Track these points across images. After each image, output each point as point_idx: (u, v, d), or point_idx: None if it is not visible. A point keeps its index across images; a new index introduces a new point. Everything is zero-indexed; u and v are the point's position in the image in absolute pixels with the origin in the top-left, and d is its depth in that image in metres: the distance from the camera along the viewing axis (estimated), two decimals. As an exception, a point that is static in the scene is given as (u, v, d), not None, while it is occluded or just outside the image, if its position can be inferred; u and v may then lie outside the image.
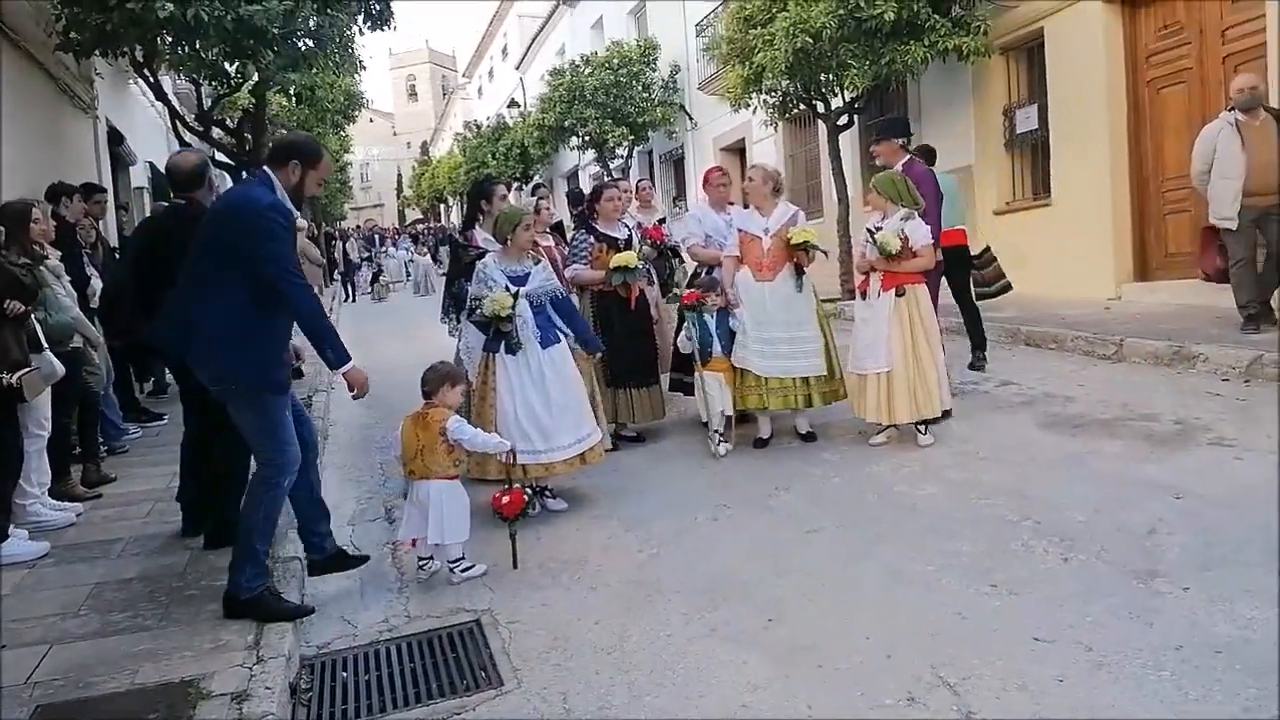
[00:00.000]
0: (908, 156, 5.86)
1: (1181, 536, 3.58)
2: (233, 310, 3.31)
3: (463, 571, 3.89)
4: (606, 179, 16.00)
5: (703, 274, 5.96)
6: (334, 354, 3.41)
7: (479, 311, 4.57)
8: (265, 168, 3.49)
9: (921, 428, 5.18)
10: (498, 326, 4.52)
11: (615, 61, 18.58)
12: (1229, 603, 3.02)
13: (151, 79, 8.93)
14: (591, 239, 5.70)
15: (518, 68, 32.28)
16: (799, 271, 5.33)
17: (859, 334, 5.28)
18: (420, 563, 3.98)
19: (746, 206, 5.87)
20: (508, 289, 4.53)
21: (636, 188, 7.55)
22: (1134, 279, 9.03)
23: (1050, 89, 9.68)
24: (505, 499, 3.96)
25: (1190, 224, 8.50)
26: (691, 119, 18.73)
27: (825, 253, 5.34)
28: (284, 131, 18.28)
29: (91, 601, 3.69)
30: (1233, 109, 6.40)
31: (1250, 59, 7.55)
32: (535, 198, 8.19)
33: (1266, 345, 5.90)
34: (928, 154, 6.65)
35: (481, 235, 5.40)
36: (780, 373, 5.27)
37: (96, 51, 7.77)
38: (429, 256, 24.91)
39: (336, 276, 23.39)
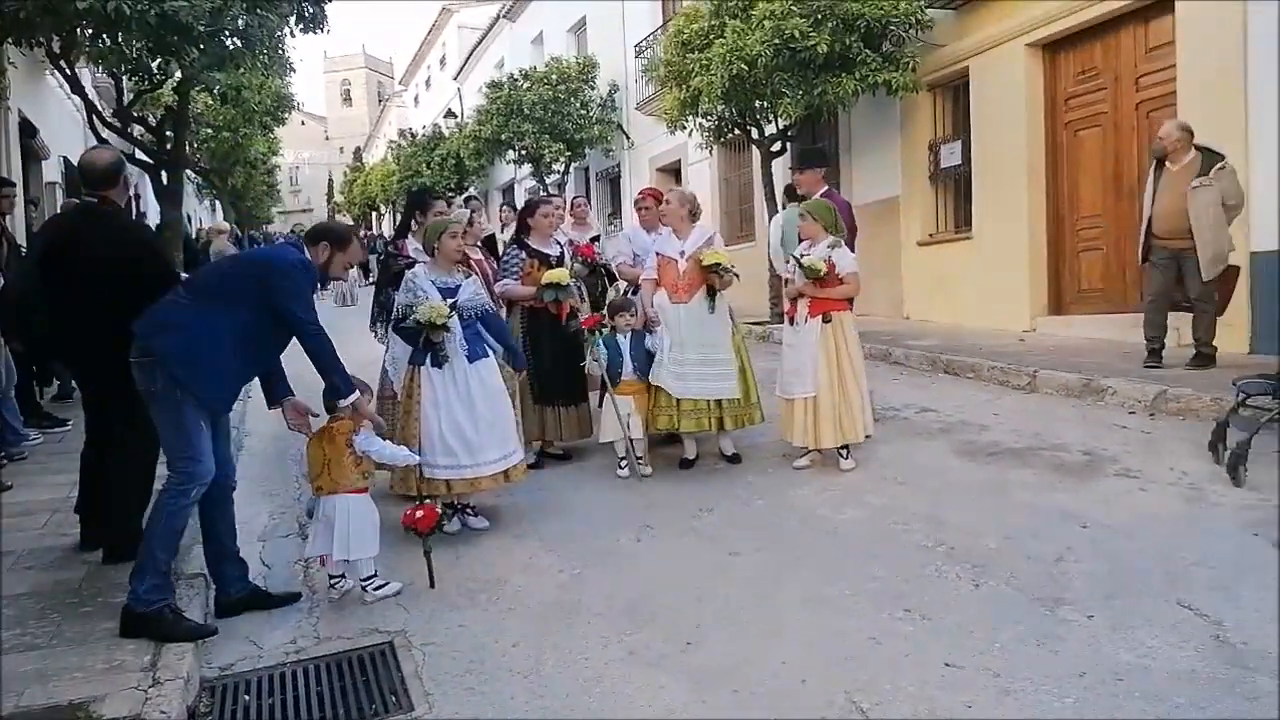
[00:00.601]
0: (826, 186, 6.01)
1: (1087, 565, 3.69)
2: (224, 332, 3.46)
3: (375, 590, 3.79)
4: (542, 194, 16.01)
5: (622, 294, 6.00)
6: (341, 386, 3.69)
7: (412, 319, 4.44)
8: (300, 243, 3.88)
9: (843, 452, 5.25)
10: (429, 336, 4.41)
11: (554, 78, 18.59)
12: (1130, 630, 3.12)
13: (68, 71, 8.58)
14: (523, 254, 5.66)
15: (456, 78, 32.03)
16: (711, 293, 5.35)
17: (787, 359, 5.33)
18: (332, 581, 3.84)
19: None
20: (455, 302, 4.45)
21: (571, 204, 7.54)
22: (1048, 312, 9.35)
23: (974, 126, 10.00)
24: (419, 514, 3.87)
25: (1103, 261, 8.87)
26: (629, 138, 18.82)
27: (737, 275, 5.33)
28: (209, 130, 17.86)
29: (-23, 618, 3.48)
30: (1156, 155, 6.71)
31: (1162, 105, 7.92)
32: (468, 210, 8.12)
33: (1171, 381, 6.16)
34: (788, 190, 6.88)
35: (413, 245, 5.34)
36: (694, 394, 5.26)
37: (9, 40, 7.44)
38: (355, 267, 24.26)
39: None
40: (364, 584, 3.79)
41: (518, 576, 4.01)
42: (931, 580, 3.67)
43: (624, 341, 5.37)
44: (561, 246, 5.87)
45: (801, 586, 3.70)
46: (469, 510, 4.68)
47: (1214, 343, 6.56)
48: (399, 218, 6.22)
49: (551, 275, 5.43)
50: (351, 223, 46.84)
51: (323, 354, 3.60)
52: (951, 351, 8.16)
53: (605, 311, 5.56)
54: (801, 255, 5.20)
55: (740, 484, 5.16)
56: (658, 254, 5.51)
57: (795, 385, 5.21)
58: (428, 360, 4.47)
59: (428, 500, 3.99)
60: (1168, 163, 6.58)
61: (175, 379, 3.36)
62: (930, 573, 3.74)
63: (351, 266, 3.88)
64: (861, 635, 3.24)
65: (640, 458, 5.38)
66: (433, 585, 3.87)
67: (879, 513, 4.52)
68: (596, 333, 5.39)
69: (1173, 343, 6.84)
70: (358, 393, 3.75)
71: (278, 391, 3.82)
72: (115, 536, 3.94)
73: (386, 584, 3.82)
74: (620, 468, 5.40)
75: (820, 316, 5.17)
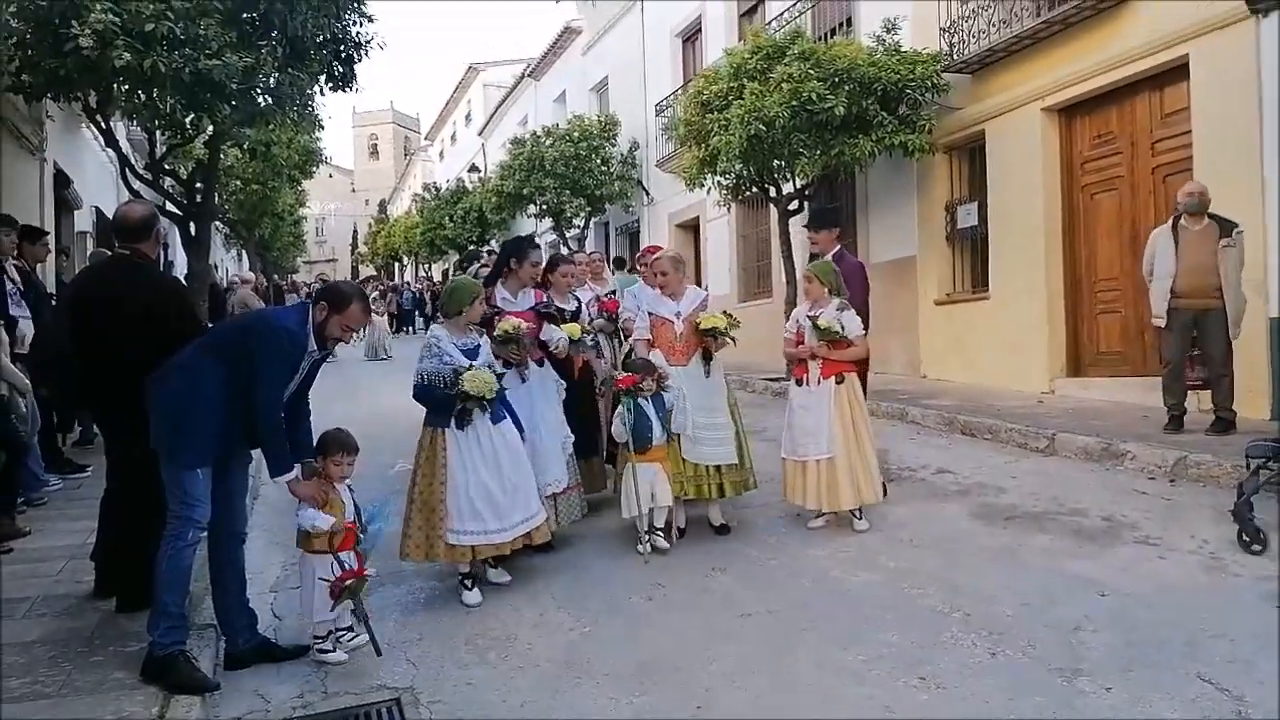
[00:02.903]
0: (839, 247, 6.04)
1: (1106, 635, 3.63)
2: (213, 388, 3.51)
3: (320, 652, 3.71)
4: (564, 251, 16.18)
5: (634, 355, 5.95)
6: (274, 463, 3.60)
7: (458, 390, 4.26)
8: (308, 302, 3.86)
9: (857, 513, 5.20)
10: (466, 405, 4.29)
11: (576, 134, 18.92)
12: (1149, 704, 3.06)
13: (104, 125, 8.83)
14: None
15: (480, 134, 32.69)
16: (707, 357, 5.28)
17: (798, 421, 5.26)
18: (338, 634, 3.80)
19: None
20: (472, 366, 4.36)
21: (590, 259, 7.62)
22: (1067, 374, 9.31)
23: (990, 188, 10.09)
24: (337, 573, 3.64)
25: (1121, 324, 8.84)
26: (648, 194, 19.07)
27: (734, 340, 5.25)
28: (238, 183, 18.26)
29: (-12, 665, 3.49)
30: (1177, 213, 6.69)
31: (1178, 170, 7.97)
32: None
33: (1191, 447, 6.10)
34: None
35: (501, 294, 5.19)
36: (695, 459, 5.17)
37: (49, 96, 7.68)
38: (386, 318, 23.05)
39: None
40: (314, 643, 3.73)
41: (527, 633, 3.98)
42: (947, 647, 3.61)
43: (647, 404, 5.05)
44: (579, 302, 5.91)
45: (814, 651, 3.65)
46: (489, 562, 4.59)
47: (1233, 408, 6.51)
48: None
49: (567, 329, 5.36)
50: (374, 273, 47.51)
51: (266, 427, 3.55)
52: (969, 412, 8.12)
53: (635, 370, 5.19)
54: (810, 317, 5.19)
55: (754, 544, 5.12)
56: (651, 314, 5.41)
57: (810, 447, 5.16)
58: (451, 423, 4.36)
59: (349, 566, 3.73)
60: (1186, 222, 6.59)
61: (160, 431, 3.50)
62: (946, 639, 3.68)
63: (353, 329, 3.79)
64: (875, 703, 3.19)
65: (660, 530, 5.02)
66: (379, 654, 3.62)
67: (894, 576, 4.47)
68: (633, 394, 5.03)
69: (1193, 408, 6.78)
70: (294, 473, 3.63)
71: (293, 444, 3.77)
72: (129, 585, 3.96)
73: (333, 650, 3.72)
74: (644, 543, 4.94)
75: (834, 378, 5.17)
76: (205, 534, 3.62)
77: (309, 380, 3.85)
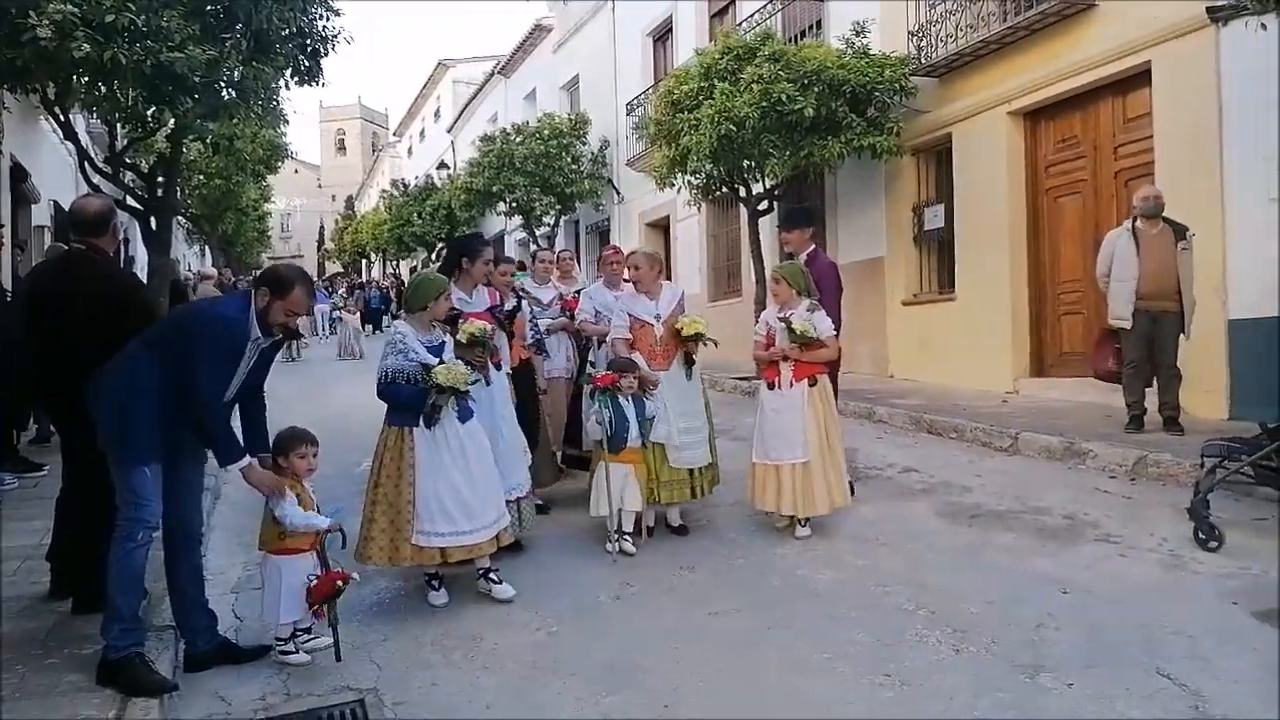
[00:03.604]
0: (814, 246, 6.02)
1: (1068, 632, 3.67)
2: (151, 382, 3.43)
3: (281, 654, 3.64)
4: (534, 248, 16.11)
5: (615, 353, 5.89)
6: (223, 453, 3.54)
7: (431, 384, 4.13)
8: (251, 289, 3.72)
9: (802, 520, 5.08)
10: (436, 401, 4.14)
11: (546, 132, 18.86)
12: (1110, 700, 3.10)
13: (62, 117, 8.64)
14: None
15: (449, 131, 32.47)
16: (689, 361, 5.24)
17: (771, 424, 5.13)
18: (297, 636, 3.72)
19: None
20: (442, 360, 4.25)
21: (557, 258, 7.59)
22: (1030, 374, 9.43)
23: (957, 190, 10.19)
24: (314, 581, 3.61)
25: (1083, 325, 8.97)
26: (619, 193, 19.04)
27: (715, 343, 5.24)
28: (200, 177, 17.99)
29: (-62, 669, 3.40)
30: (1134, 216, 6.79)
31: (1141, 174, 8.08)
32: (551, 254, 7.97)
33: (1151, 445, 6.20)
34: None
35: (457, 294, 5.01)
36: (678, 464, 5.14)
37: (4, 86, 7.51)
38: (358, 316, 22.35)
39: None
40: (276, 644, 3.67)
41: (493, 633, 3.95)
42: (912, 645, 3.64)
43: (627, 405, 5.00)
44: (518, 300, 5.63)
45: (782, 649, 3.66)
46: (491, 576, 4.40)
47: (1181, 406, 6.67)
48: (441, 261, 5.89)
49: (470, 327, 4.82)
50: (341, 269, 47.02)
51: (208, 417, 3.49)
52: (935, 411, 8.19)
53: (616, 369, 5.12)
54: (782, 319, 5.10)
55: (723, 542, 5.13)
56: (630, 315, 5.34)
57: (784, 451, 5.04)
58: (419, 421, 4.21)
59: (329, 568, 3.71)
60: (1143, 225, 6.70)
61: (104, 428, 3.44)
62: (911, 637, 3.71)
63: (296, 315, 3.66)
64: (842, 701, 3.20)
65: (629, 534, 4.98)
66: (339, 659, 3.58)
67: (860, 574, 4.49)
68: (610, 392, 5.00)
69: (1153, 408, 6.89)
70: (246, 459, 3.57)
71: (249, 441, 3.73)
72: (86, 586, 3.87)
73: (295, 652, 3.65)
74: (613, 543, 4.94)
75: (806, 380, 5.09)
76: (156, 533, 3.54)
77: (261, 372, 3.74)
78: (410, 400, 4.21)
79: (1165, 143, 7.74)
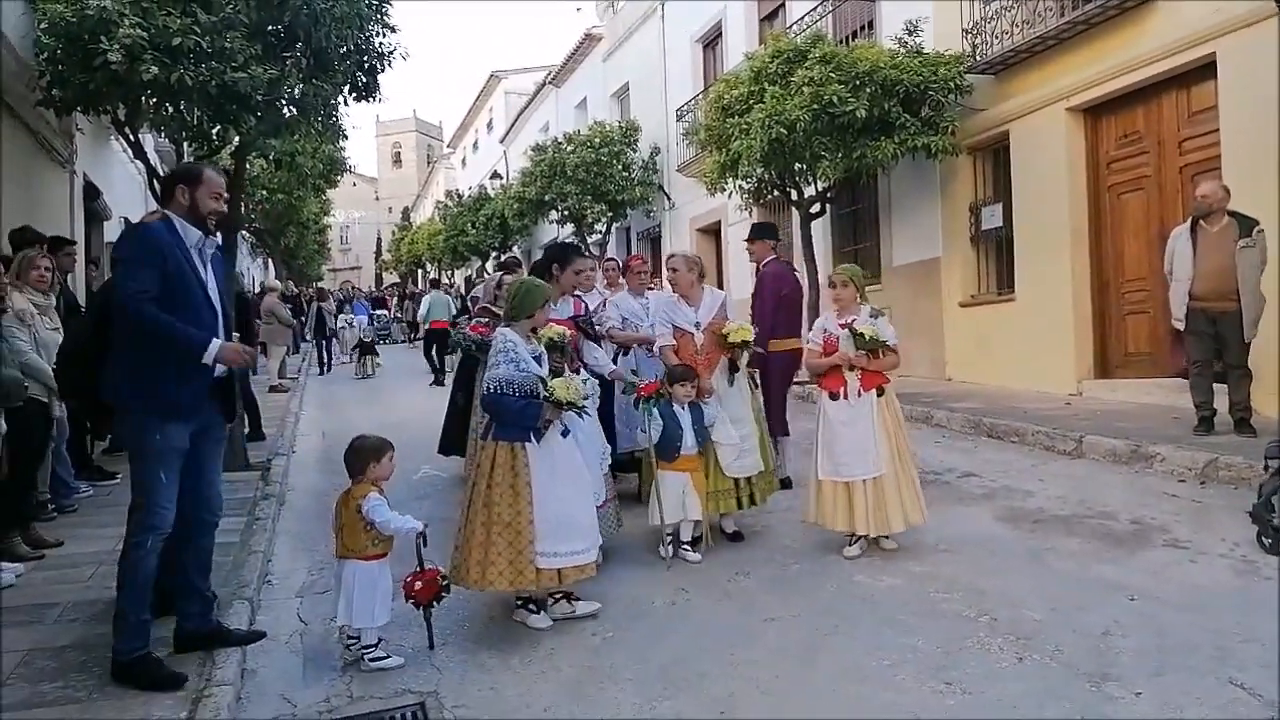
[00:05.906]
0: (774, 255, 6.26)
1: (1135, 639, 3.58)
2: (124, 333, 3.48)
3: (372, 660, 3.70)
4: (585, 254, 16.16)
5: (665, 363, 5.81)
6: (194, 344, 3.44)
7: (545, 396, 3.97)
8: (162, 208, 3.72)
9: (858, 537, 4.87)
10: (550, 416, 4.01)
11: (597, 141, 18.98)
12: (1179, 710, 3.01)
13: (132, 137, 8.95)
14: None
15: (502, 141, 32.88)
16: (733, 368, 5.09)
17: (840, 437, 4.82)
18: (348, 643, 3.81)
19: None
20: (554, 370, 4.13)
21: (604, 267, 7.63)
22: (1094, 376, 9.20)
23: (1015, 189, 10.01)
24: (418, 585, 3.70)
25: (1149, 325, 8.74)
26: (669, 199, 19.07)
27: (761, 349, 5.16)
28: (264, 192, 18.44)
29: (21, 670, 3.55)
30: (1195, 215, 6.60)
31: (1206, 169, 7.86)
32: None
33: (1222, 448, 6.01)
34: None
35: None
36: (734, 473, 5.08)
37: (79, 109, 7.81)
38: (404, 326, 22.52)
39: (308, 338, 20.52)
40: (364, 652, 3.73)
41: (550, 638, 3.98)
42: (974, 652, 3.58)
43: (682, 413, 4.90)
44: (587, 306, 5.74)
45: (839, 656, 3.63)
46: (572, 596, 4.25)
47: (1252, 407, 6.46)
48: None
49: (550, 331, 4.67)
50: (397, 280, 47.71)
51: (147, 323, 3.37)
52: (995, 415, 8.05)
53: (674, 378, 4.98)
54: (847, 325, 4.84)
55: (777, 549, 5.10)
56: (672, 325, 5.24)
57: (856, 467, 4.76)
58: (531, 435, 4.04)
59: (428, 566, 3.76)
60: (1204, 224, 6.50)
61: (129, 412, 3.51)
62: (972, 644, 3.64)
63: (221, 198, 3.64)
64: (901, 709, 3.16)
65: (686, 543, 4.93)
66: (432, 646, 3.81)
67: (919, 580, 4.43)
68: (654, 399, 4.88)
69: (1223, 409, 6.68)
70: (215, 342, 3.46)
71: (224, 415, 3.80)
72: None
73: (387, 656, 3.72)
74: (667, 553, 4.90)
75: (874, 390, 4.83)
76: (165, 539, 3.55)
77: (221, 292, 3.69)
78: (519, 413, 4.01)
79: (1231, 136, 7.52)
